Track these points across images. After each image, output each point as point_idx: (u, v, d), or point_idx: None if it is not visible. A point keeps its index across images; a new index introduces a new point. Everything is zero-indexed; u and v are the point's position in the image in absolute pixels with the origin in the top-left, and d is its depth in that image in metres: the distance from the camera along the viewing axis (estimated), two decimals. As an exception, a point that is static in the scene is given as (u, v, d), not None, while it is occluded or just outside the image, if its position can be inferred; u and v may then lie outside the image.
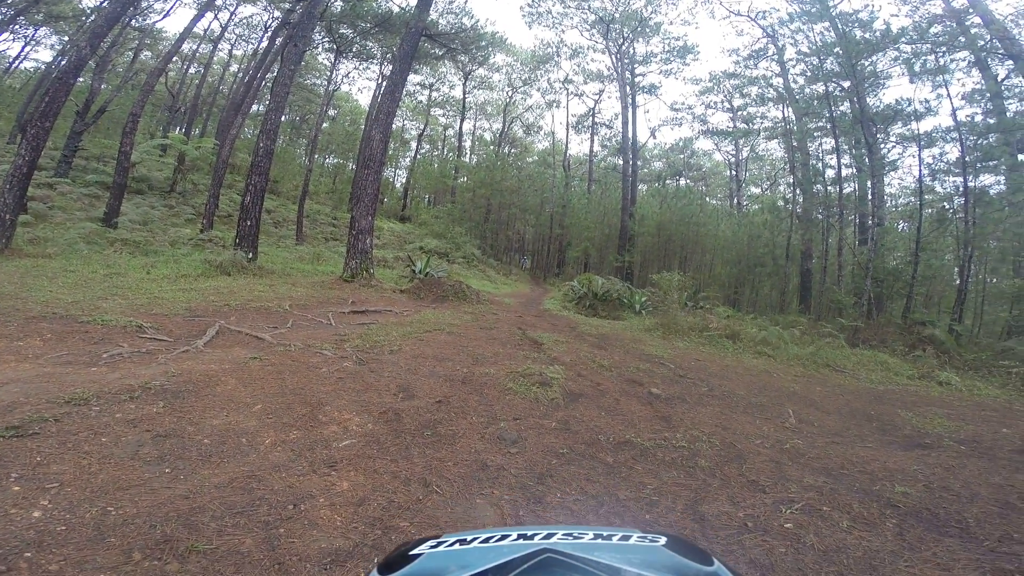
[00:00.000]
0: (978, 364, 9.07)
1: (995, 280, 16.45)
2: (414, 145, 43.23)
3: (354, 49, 24.57)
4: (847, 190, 19.27)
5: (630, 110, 28.18)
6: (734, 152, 34.61)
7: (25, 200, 10.18)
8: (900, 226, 22.51)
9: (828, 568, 2.18)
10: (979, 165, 14.40)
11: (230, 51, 30.57)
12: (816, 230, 19.98)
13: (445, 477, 2.72)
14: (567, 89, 35.27)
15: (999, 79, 14.32)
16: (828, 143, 20.88)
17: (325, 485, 2.47)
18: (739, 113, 29.27)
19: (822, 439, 4.11)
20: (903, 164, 18.68)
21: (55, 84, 9.79)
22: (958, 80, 15.79)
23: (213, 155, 18.62)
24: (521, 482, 2.78)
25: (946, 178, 16.04)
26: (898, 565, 2.22)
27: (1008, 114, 13.84)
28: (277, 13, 23.13)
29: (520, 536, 0.64)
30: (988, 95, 14.42)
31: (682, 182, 39.20)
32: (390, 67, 17.20)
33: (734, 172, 36.03)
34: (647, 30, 27.70)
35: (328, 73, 28.27)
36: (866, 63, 16.64)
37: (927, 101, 16.08)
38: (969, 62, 15.18)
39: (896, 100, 16.62)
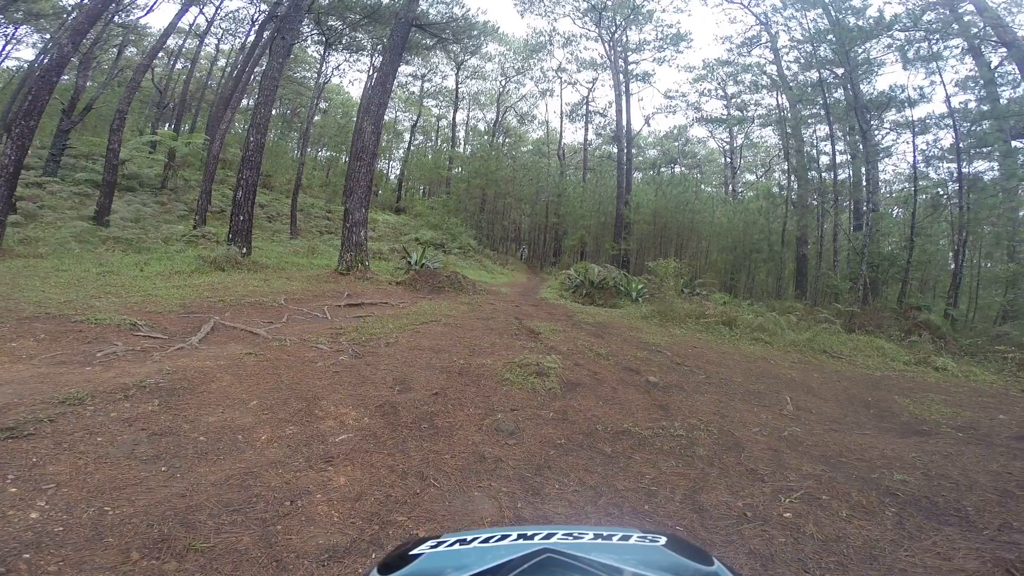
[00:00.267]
0: (974, 349, 9.15)
1: (989, 265, 16.54)
2: (407, 136, 42.93)
3: (344, 41, 24.26)
4: (841, 176, 19.35)
5: (624, 98, 28.01)
6: (729, 139, 34.53)
7: (14, 200, 10.05)
8: (895, 212, 22.59)
9: (828, 558, 2.18)
10: (973, 151, 14.49)
11: (217, 46, 30.16)
12: (811, 216, 20.03)
13: (442, 470, 2.72)
14: (560, 78, 35.08)
15: (992, 66, 14.35)
16: (822, 130, 20.90)
17: (322, 481, 2.46)
18: (733, 100, 29.23)
19: (820, 427, 4.13)
20: (897, 150, 18.78)
21: (38, 82, 9.64)
22: (951, 67, 15.88)
23: (204, 151, 18.44)
24: (519, 474, 2.78)
25: (940, 164, 16.16)
26: (898, 555, 2.23)
27: (1001, 101, 13.91)
28: (264, 6, 22.78)
29: (520, 536, 0.63)
30: (982, 82, 14.45)
31: (677, 170, 39.10)
32: (380, 58, 17.02)
33: (729, 159, 35.99)
34: (640, 17, 27.45)
35: (318, 66, 27.93)
36: (860, 50, 16.63)
37: (921, 88, 16.16)
38: (963, 49, 15.20)
39: (890, 87, 16.69)
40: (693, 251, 27.03)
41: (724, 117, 30.28)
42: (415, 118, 41.20)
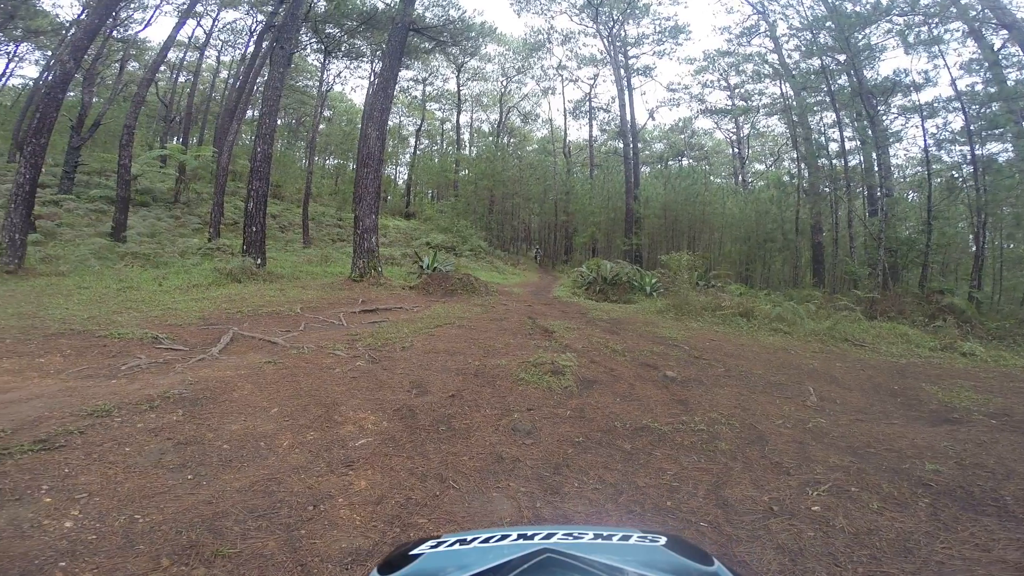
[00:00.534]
0: (1002, 333, 8.90)
1: (1012, 245, 16.16)
2: (412, 141, 43.11)
3: (343, 48, 24.45)
4: (852, 162, 19.02)
5: (626, 93, 27.88)
6: (735, 130, 34.22)
7: (32, 218, 10.29)
8: (910, 196, 22.19)
9: (860, 552, 2.12)
10: (984, 133, 14.16)
11: (218, 57, 30.59)
12: (824, 203, 19.74)
13: (461, 471, 2.73)
14: (561, 75, 35.03)
15: (995, 49, 14.06)
16: (829, 117, 20.62)
17: (343, 485, 2.48)
18: (736, 91, 28.99)
19: (846, 417, 4.05)
20: (907, 135, 18.43)
21: (44, 100, 9.86)
22: (954, 50, 15.65)
23: (213, 163, 18.71)
24: (537, 473, 2.78)
25: (952, 147, 15.82)
26: (934, 547, 2.16)
27: (1008, 82, 13.62)
28: (260, 17, 23.06)
29: (520, 536, 0.64)
30: (986, 64, 14.16)
31: (685, 162, 38.83)
32: (380, 64, 17.13)
33: (736, 150, 35.63)
34: (636, 11, 27.31)
35: (319, 74, 28.17)
36: (860, 36, 16.41)
37: (925, 72, 15.93)
38: (963, 32, 14.95)
39: (893, 72, 16.49)
40: (706, 243, 26.78)
41: (729, 108, 30.02)
42: (419, 122, 41.39)
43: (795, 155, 23.57)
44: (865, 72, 16.83)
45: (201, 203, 19.31)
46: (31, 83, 24.07)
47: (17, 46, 24.04)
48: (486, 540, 0.64)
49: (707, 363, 5.69)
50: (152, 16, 21.56)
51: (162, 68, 23.50)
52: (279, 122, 29.23)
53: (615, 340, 6.41)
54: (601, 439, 3.28)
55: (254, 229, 11.91)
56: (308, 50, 25.66)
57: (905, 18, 15.46)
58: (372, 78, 28.02)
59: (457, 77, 36.64)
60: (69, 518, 2.01)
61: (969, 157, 14.61)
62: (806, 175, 20.76)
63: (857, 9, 16.18)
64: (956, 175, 15.87)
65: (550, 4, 29.36)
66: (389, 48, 13.17)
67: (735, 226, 25.51)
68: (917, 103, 16.01)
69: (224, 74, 31.20)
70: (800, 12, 19.75)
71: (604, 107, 35.69)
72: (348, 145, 37.64)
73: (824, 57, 18.11)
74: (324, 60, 25.59)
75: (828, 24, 17.14)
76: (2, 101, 27.39)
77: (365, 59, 27.13)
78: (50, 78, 12.10)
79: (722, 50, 26.51)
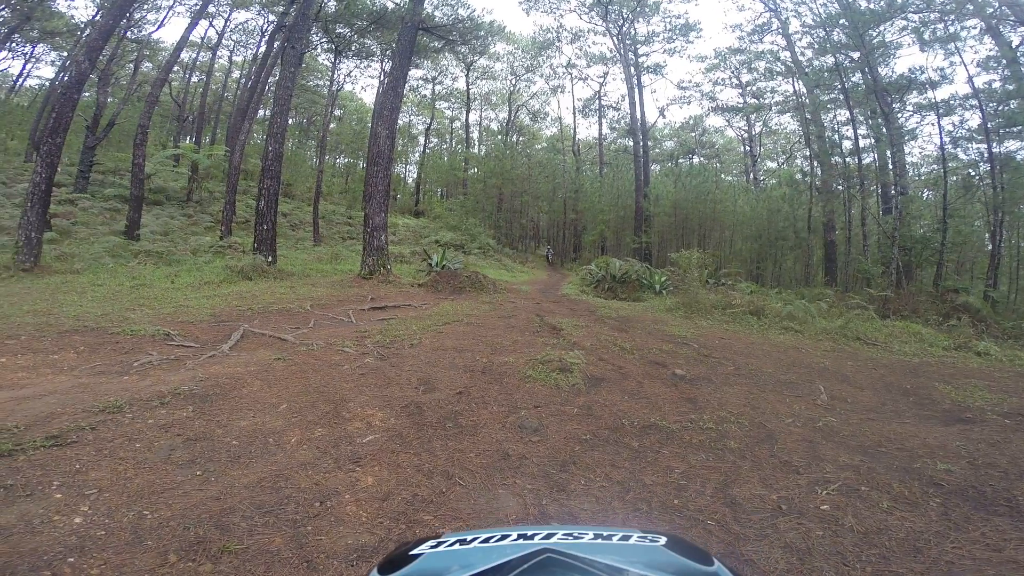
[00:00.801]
0: (1018, 332, 8.76)
1: (1030, 244, 15.93)
2: (422, 140, 43.27)
3: (353, 48, 24.55)
4: (866, 160, 18.80)
5: (636, 91, 27.77)
6: (746, 128, 33.89)
7: (48, 217, 10.44)
8: (924, 194, 21.89)
9: (869, 551, 2.10)
10: (1002, 131, 13.93)
11: (230, 57, 30.91)
12: (837, 201, 19.54)
13: (467, 468, 2.73)
14: (571, 74, 34.94)
15: (1013, 46, 13.83)
16: (843, 115, 20.40)
17: (350, 481, 2.49)
18: (748, 88, 28.77)
19: (856, 416, 4.00)
20: (922, 133, 18.18)
21: (60, 100, 9.99)
22: (971, 47, 15.41)
23: (225, 162, 18.89)
24: (544, 471, 2.76)
25: (969, 145, 15.60)
26: (944, 547, 2.13)
27: None
28: (272, 17, 23.23)
29: (520, 536, 0.63)
30: (1004, 61, 13.92)
31: (695, 160, 38.57)
32: (390, 63, 17.17)
33: (748, 148, 35.30)
34: (646, 9, 27.17)
35: (330, 73, 28.33)
36: (874, 33, 16.19)
37: (941, 69, 15.70)
38: (981, 29, 14.73)
39: (909, 69, 16.25)
40: (716, 241, 26.62)
41: (740, 105, 29.77)
42: (429, 121, 41.52)
43: (808, 153, 23.35)
44: (880, 69, 16.65)
45: (213, 201, 19.51)
46: (47, 84, 24.47)
47: (34, 47, 24.47)
48: (486, 540, 0.64)
49: (717, 361, 5.64)
50: (165, 17, 21.88)
51: (175, 68, 23.79)
52: (290, 121, 29.46)
53: (624, 338, 6.38)
54: (608, 437, 3.26)
55: (265, 227, 12.00)
56: (319, 50, 25.84)
57: (921, 15, 15.27)
58: (382, 77, 28.12)
59: (466, 76, 36.70)
60: (79, 514, 2.03)
61: (986, 155, 14.42)
62: (819, 173, 20.54)
63: (871, 6, 16.01)
64: (973, 173, 15.63)
65: (559, 3, 29.35)
66: (399, 47, 13.20)
67: (746, 224, 25.32)
68: (933, 100, 15.83)
69: (236, 74, 31.52)
70: (813, 9, 19.57)
71: (614, 105, 35.62)
72: (358, 144, 37.86)
73: (838, 54, 17.91)
74: (335, 60, 25.73)
75: (842, 21, 16.95)
76: (19, 102, 27.86)
77: (375, 58, 27.25)
78: (66, 79, 12.29)
79: (733, 48, 26.39)
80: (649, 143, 30.26)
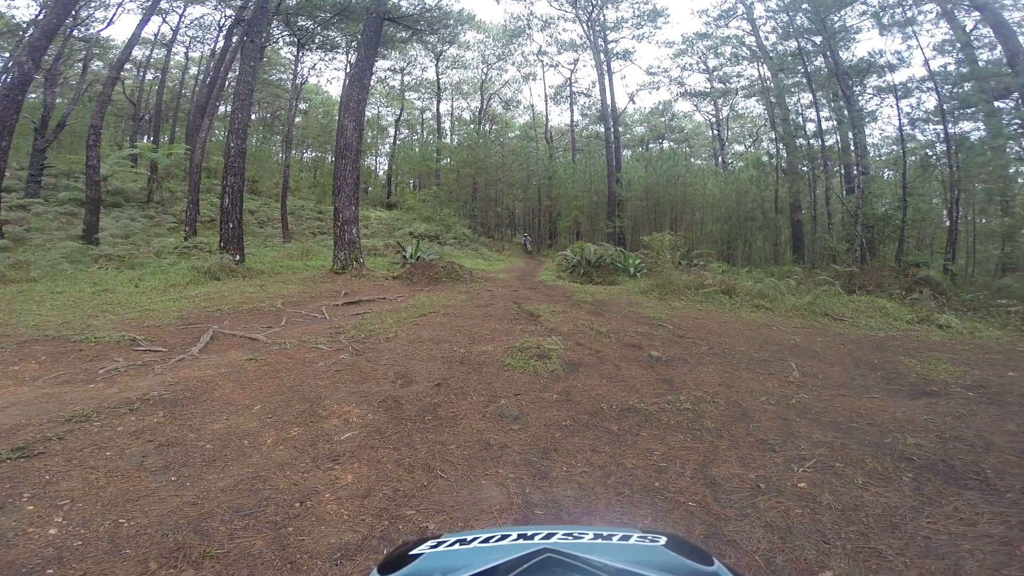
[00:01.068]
0: (976, 304, 9.06)
1: (984, 220, 16.56)
2: (392, 131, 42.62)
3: (317, 40, 23.86)
4: (829, 142, 19.28)
5: (606, 77, 27.86)
6: (714, 112, 34.32)
7: (0, 225, 9.96)
8: (885, 174, 22.57)
9: (848, 528, 2.13)
10: (957, 112, 14.42)
11: (186, 54, 29.68)
12: (802, 182, 20.04)
13: (449, 461, 2.73)
14: (542, 61, 34.82)
15: (967, 30, 14.30)
16: (806, 98, 20.79)
17: (329, 480, 2.47)
18: (715, 73, 29.18)
19: (828, 392, 4.10)
20: (882, 115, 18.75)
21: (3, 102, 9.52)
22: (927, 31, 15.88)
23: (186, 160, 18.25)
24: (525, 459, 2.78)
25: (926, 126, 16.12)
26: (920, 522, 2.17)
27: (980, 63, 13.88)
28: (229, 11, 22.40)
29: (520, 536, 0.63)
30: (959, 45, 14.40)
31: (665, 145, 38.97)
32: (356, 55, 16.79)
33: (716, 132, 35.82)
34: (615, -5, 27.19)
35: (293, 67, 27.52)
36: (835, 18, 16.56)
37: (899, 53, 16.17)
38: (937, 13, 15.17)
39: (869, 53, 16.67)
40: (688, 223, 27.02)
41: (708, 90, 30.14)
42: (398, 112, 40.86)
43: (773, 136, 23.76)
44: (841, 53, 16.99)
45: (175, 201, 18.87)
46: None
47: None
48: (486, 540, 0.63)
49: (691, 341, 5.74)
50: (115, 14, 20.85)
51: (128, 66, 22.76)
52: (253, 116, 28.59)
53: (600, 322, 6.44)
54: (588, 422, 3.30)
55: (231, 225, 11.69)
56: (280, 43, 25.04)
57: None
58: (348, 69, 27.41)
59: (436, 66, 36.18)
60: (53, 525, 1.99)
61: (942, 135, 14.88)
62: (784, 155, 20.96)
63: (832, -10, 16.26)
64: (930, 153, 16.14)
65: (530, -10, 29.07)
66: (364, 39, 12.92)
67: (716, 206, 25.77)
68: (892, 83, 16.23)
69: (193, 70, 30.33)
70: (775, -6, 19.79)
71: (585, 92, 35.70)
72: (326, 137, 37.04)
73: (800, 39, 18.21)
74: (298, 53, 24.97)
75: (804, 6, 17.23)
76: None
77: (340, 50, 26.52)
78: (8, 80, 11.65)
79: (700, 33, 26.58)
80: (620, 129, 30.41)
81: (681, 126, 39.86)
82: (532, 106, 42.27)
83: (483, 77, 38.28)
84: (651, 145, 39.36)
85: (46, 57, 11.92)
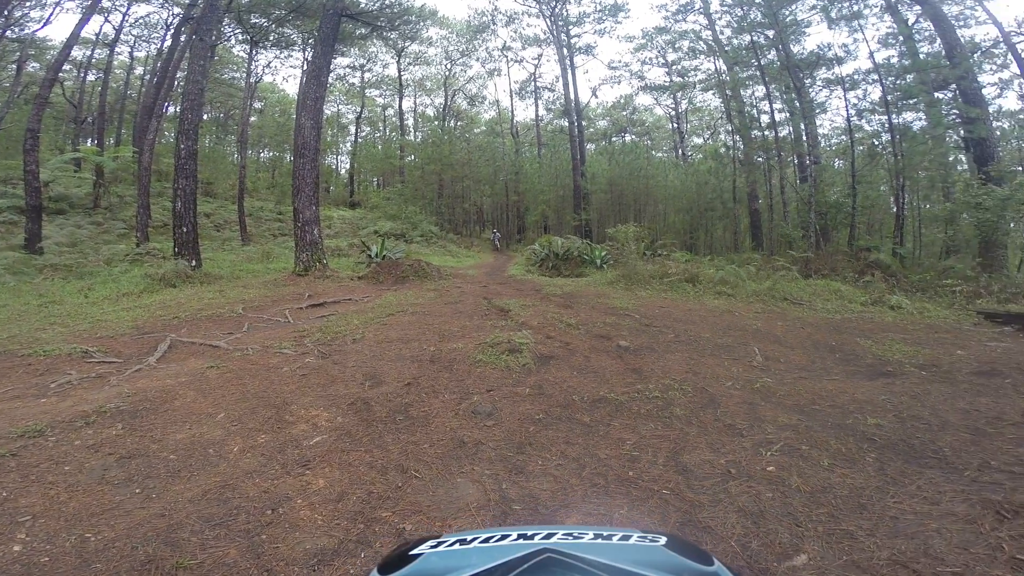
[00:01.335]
0: (924, 285, 9.52)
1: (928, 205, 17.45)
2: (353, 129, 41.81)
3: (271, 38, 23.12)
4: (783, 133, 19.93)
5: (569, 72, 28.11)
6: (673, 105, 35.04)
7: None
8: (836, 163, 23.47)
9: (818, 510, 2.17)
10: (900, 103, 15.11)
11: (131, 53, 28.22)
12: (759, 172, 20.67)
13: (422, 460, 2.71)
14: (506, 56, 34.83)
15: (909, 23, 14.99)
16: (760, 90, 21.43)
17: (301, 485, 2.42)
18: (674, 67, 29.79)
19: (790, 375, 4.22)
20: (831, 106, 19.48)
21: None
22: (872, 25, 16.57)
23: (134, 164, 17.46)
24: (500, 455, 2.79)
25: (872, 116, 16.75)
26: (886, 502, 2.23)
27: (921, 55, 14.58)
28: (177, 9, 21.45)
29: (520, 536, 0.64)
30: (901, 38, 15.09)
31: (628, 138, 39.55)
32: (312, 52, 16.37)
33: (676, 125, 36.58)
34: (577, -10, 27.40)
35: (247, 65, 26.63)
36: (787, 12, 17.09)
37: (846, 46, 16.83)
38: (881, 7, 15.85)
39: (818, 46, 17.30)
40: (651, 215, 27.54)
41: (667, 84, 30.76)
42: (359, 110, 40.12)
43: (730, 128, 24.41)
44: (792, 47, 17.56)
45: (124, 207, 18.05)
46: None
47: None
48: (486, 540, 0.64)
49: (658, 330, 5.85)
50: (52, 14, 19.57)
51: (68, 67, 21.58)
52: (205, 117, 27.56)
53: (569, 314, 6.50)
54: (561, 414, 3.33)
55: (185, 230, 11.25)
56: (233, 41, 24.16)
57: (828, -7, 16.19)
58: (304, 67, 26.73)
59: (398, 62, 35.66)
60: (17, 542, 1.94)
61: (887, 125, 15.55)
62: (741, 146, 21.57)
63: (784, -15, 16.79)
64: (876, 142, 16.82)
65: (493, -16, 28.94)
66: (321, 36, 12.60)
67: (677, 197, 26.38)
68: (840, 76, 16.84)
69: (139, 70, 28.88)
70: (731, -12, 20.25)
71: (549, 86, 35.90)
72: (283, 137, 36.10)
73: (754, 33, 18.72)
74: (251, 51, 24.11)
75: (758, 0, 17.69)
76: None
77: (296, 48, 25.77)
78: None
79: (659, 27, 27.04)
80: (583, 123, 30.73)
81: (642, 119, 40.52)
82: (498, 101, 42.24)
83: (447, 73, 37.96)
84: (614, 139, 39.89)
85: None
